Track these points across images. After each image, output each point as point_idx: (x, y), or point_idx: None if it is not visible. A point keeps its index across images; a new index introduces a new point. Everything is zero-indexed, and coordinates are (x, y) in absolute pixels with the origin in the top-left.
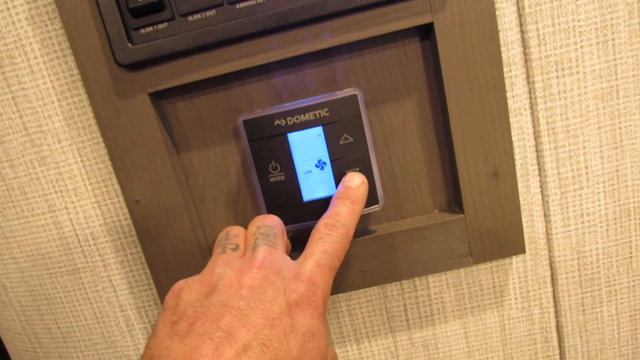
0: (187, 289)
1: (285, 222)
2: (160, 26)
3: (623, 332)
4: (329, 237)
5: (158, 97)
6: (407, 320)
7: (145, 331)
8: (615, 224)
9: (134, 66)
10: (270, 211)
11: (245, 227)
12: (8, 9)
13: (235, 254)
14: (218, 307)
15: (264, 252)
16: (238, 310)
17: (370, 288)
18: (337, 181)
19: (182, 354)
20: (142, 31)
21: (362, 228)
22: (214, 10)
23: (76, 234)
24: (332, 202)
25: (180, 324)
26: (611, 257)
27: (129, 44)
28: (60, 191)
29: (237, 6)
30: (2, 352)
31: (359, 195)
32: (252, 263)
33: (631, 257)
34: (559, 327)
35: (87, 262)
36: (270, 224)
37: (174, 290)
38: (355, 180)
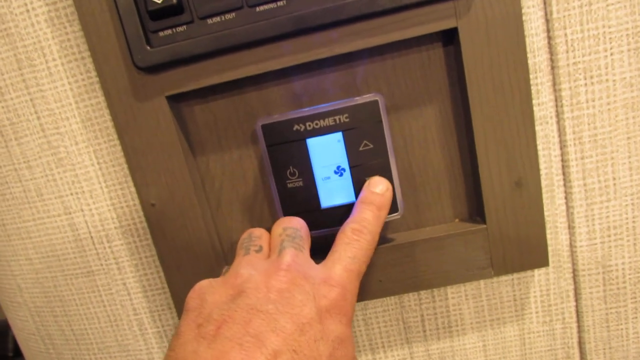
0: (211, 290)
1: None
2: (179, 29)
3: None
4: (357, 243)
5: (176, 100)
6: (424, 331)
7: (158, 335)
8: None
9: (152, 69)
10: None
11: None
12: (27, 11)
13: (260, 255)
14: (246, 311)
15: (291, 255)
16: (267, 315)
17: (387, 297)
18: (356, 188)
19: (210, 358)
20: (161, 34)
21: (381, 236)
22: (234, 14)
23: (91, 236)
24: (357, 206)
25: (207, 327)
26: (638, 273)
27: (148, 47)
28: (76, 193)
29: (257, 9)
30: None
31: (384, 201)
32: (279, 266)
33: None
34: (581, 343)
35: (102, 265)
36: (297, 226)
37: (195, 291)
38: (380, 186)
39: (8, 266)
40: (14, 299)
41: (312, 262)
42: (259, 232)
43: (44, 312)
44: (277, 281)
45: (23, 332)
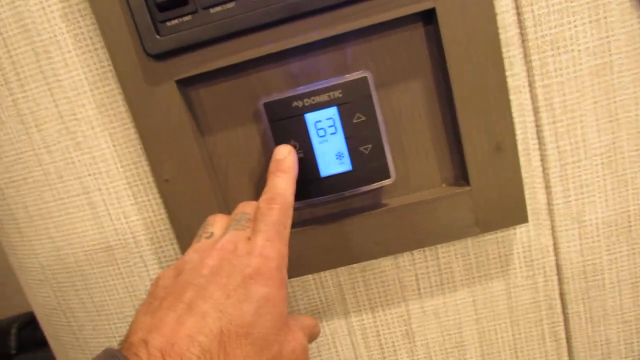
0: (164, 275)
1: (305, 197)
2: (185, 19)
3: (625, 299)
4: (270, 211)
5: (184, 84)
6: (419, 290)
7: None
8: (614, 194)
9: (162, 56)
10: None
11: None
12: (43, 8)
13: (209, 241)
14: (182, 285)
15: (227, 237)
16: (198, 286)
17: (384, 259)
18: (352, 158)
19: (150, 325)
20: (169, 24)
21: (375, 202)
22: (233, 3)
23: (109, 213)
24: (268, 177)
25: (154, 303)
26: (610, 226)
27: (157, 36)
28: (94, 174)
29: None
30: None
31: (289, 164)
32: (213, 247)
33: (630, 225)
34: (562, 294)
35: (120, 240)
36: (247, 210)
37: (155, 280)
38: (282, 151)
39: (30, 246)
40: (37, 277)
41: (247, 239)
42: (212, 219)
43: (66, 287)
44: (210, 259)
45: (45, 308)
